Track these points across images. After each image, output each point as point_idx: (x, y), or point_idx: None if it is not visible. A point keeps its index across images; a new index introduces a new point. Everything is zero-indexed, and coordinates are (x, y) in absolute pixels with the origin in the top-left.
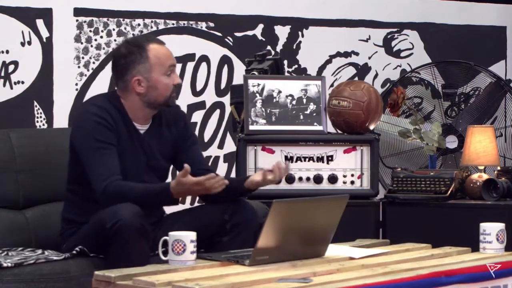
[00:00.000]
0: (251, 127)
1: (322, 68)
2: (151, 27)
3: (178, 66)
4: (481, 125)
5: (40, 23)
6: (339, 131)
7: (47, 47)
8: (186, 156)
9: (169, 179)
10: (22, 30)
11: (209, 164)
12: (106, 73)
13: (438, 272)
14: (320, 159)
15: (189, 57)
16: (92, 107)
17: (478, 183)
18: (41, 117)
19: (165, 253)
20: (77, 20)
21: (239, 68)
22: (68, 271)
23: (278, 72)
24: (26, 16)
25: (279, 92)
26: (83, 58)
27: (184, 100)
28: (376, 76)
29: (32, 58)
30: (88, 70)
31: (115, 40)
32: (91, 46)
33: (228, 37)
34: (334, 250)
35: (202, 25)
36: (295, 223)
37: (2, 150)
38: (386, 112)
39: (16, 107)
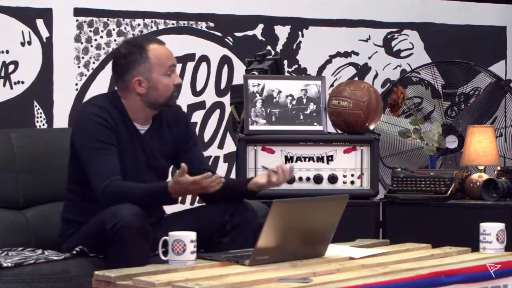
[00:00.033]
0: (251, 127)
1: (322, 68)
2: (151, 27)
3: (178, 66)
4: (481, 125)
5: (40, 23)
6: (339, 131)
7: (47, 47)
8: (186, 156)
9: (169, 179)
10: (22, 30)
11: (209, 164)
12: (106, 73)
13: (438, 272)
14: (320, 159)
15: (189, 57)
16: (92, 107)
17: (478, 183)
18: (41, 117)
19: (165, 253)
20: (77, 20)
21: (239, 68)
22: (68, 271)
23: (278, 72)
24: (26, 16)
25: (279, 92)
26: (83, 58)
27: (184, 100)
28: (376, 76)
29: (32, 58)
30: (88, 70)
31: (115, 40)
32: (91, 46)
33: (228, 37)
34: (334, 250)
35: (202, 25)
36: (295, 223)
37: (2, 150)
38: (386, 112)
39: (16, 107)
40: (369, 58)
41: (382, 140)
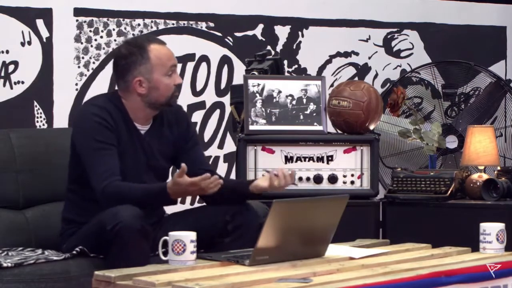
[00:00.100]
0: (251, 127)
1: (322, 68)
2: (151, 27)
3: (178, 66)
4: (481, 125)
5: (40, 23)
6: (339, 131)
7: (47, 47)
8: (187, 157)
9: (169, 179)
10: (22, 30)
11: (209, 164)
12: (106, 73)
13: (438, 272)
14: (320, 159)
15: (189, 57)
16: (93, 108)
17: (478, 183)
18: (41, 117)
19: (165, 253)
20: (77, 20)
21: (239, 68)
22: (68, 271)
23: (278, 72)
24: (26, 16)
25: (279, 92)
26: (83, 58)
27: (184, 100)
28: (376, 76)
29: (32, 58)
30: (88, 70)
31: (115, 40)
32: (91, 46)
33: (228, 37)
34: (334, 250)
35: (202, 25)
36: (295, 223)
37: (2, 150)
38: (386, 112)
39: (16, 107)
40: (369, 58)
41: (382, 140)
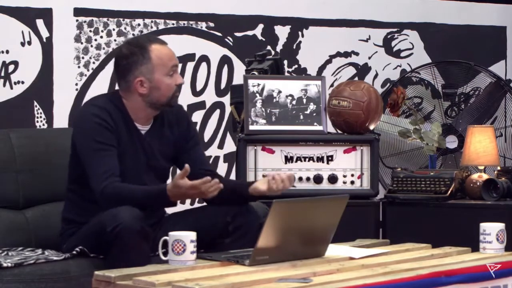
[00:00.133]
0: (251, 127)
1: (322, 68)
2: (151, 27)
3: (178, 66)
4: (481, 125)
5: (40, 23)
6: (339, 131)
7: (47, 47)
8: (188, 157)
9: (169, 180)
10: (22, 30)
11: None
12: (106, 73)
13: (438, 272)
14: (320, 159)
15: (189, 57)
16: (93, 108)
17: (478, 183)
18: (41, 117)
19: (165, 253)
20: (77, 20)
21: (239, 68)
22: (68, 271)
23: (278, 72)
24: (26, 16)
25: (279, 92)
26: (83, 58)
27: (184, 100)
28: (376, 76)
29: (32, 58)
30: (88, 70)
31: (115, 40)
32: (91, 46)
33: (228, 37)
34: (334, 250)
35: (202, 25)
36: (295, 223)
37: (2, 150)
38: (386, 112)
39: (16, 107)
40: (369, 58)
41: (382, 140)
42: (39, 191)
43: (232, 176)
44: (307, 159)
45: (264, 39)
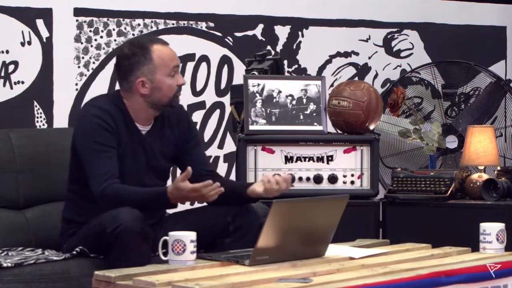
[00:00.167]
0: (251, 127)
1: (322, 68)
2: (151, 27)
3: (180, 67)
4: (481, 125)
5: (40, 23)
6: (339, 131)
7: (47, 47)
8: (188, 157)
9: (169, 180)
10: (22, 30)
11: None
12: (106, 73)
13: (438, 272)
14: (320, 159)
15: (189, 57)
16: (93, 109)
17: (478, 183)
18: (41, 117)
19: (166, 253)
20: (77, 20)
21: (239, 68)
22: (68, 271)
23: (278, 72)
24: (26, 16)
25: (279, 92)
26: (83, 58)
27: (184, 100)
28: (376, 76)
29: (32, 58)
30: (88, 70)
31: (115, 40)
32: (91, 46)
33: (228, 37)
34: (334, 250)
35: (202, 25)
36: (295, 223)
37: (2, 150)
38: (386, 112)
39: (16, 107)
40: (369, 58)
41: (382, 140)
42: (39, 191)
43: (232, 176)
44: (307, 159)
45: (264, 39)
